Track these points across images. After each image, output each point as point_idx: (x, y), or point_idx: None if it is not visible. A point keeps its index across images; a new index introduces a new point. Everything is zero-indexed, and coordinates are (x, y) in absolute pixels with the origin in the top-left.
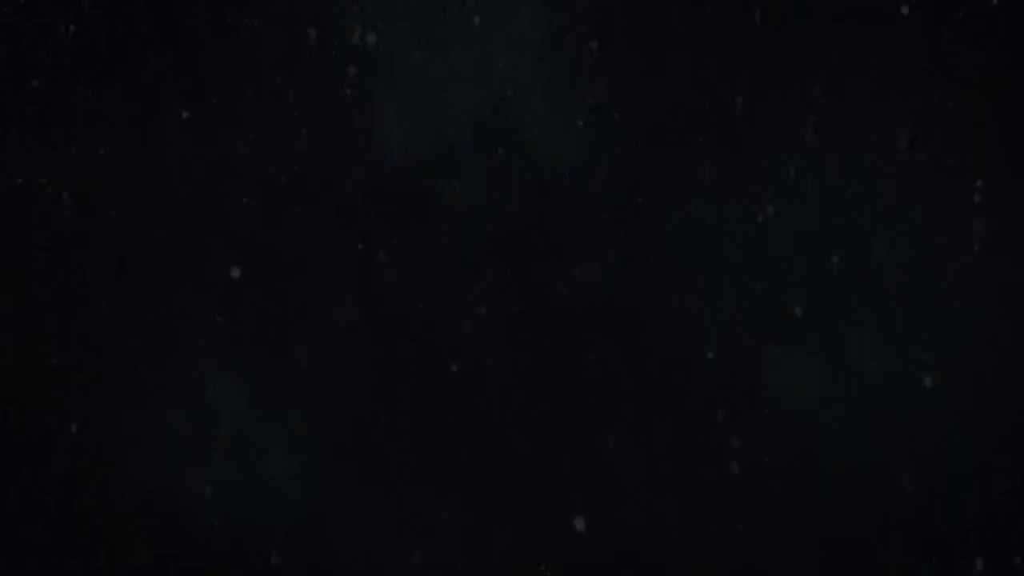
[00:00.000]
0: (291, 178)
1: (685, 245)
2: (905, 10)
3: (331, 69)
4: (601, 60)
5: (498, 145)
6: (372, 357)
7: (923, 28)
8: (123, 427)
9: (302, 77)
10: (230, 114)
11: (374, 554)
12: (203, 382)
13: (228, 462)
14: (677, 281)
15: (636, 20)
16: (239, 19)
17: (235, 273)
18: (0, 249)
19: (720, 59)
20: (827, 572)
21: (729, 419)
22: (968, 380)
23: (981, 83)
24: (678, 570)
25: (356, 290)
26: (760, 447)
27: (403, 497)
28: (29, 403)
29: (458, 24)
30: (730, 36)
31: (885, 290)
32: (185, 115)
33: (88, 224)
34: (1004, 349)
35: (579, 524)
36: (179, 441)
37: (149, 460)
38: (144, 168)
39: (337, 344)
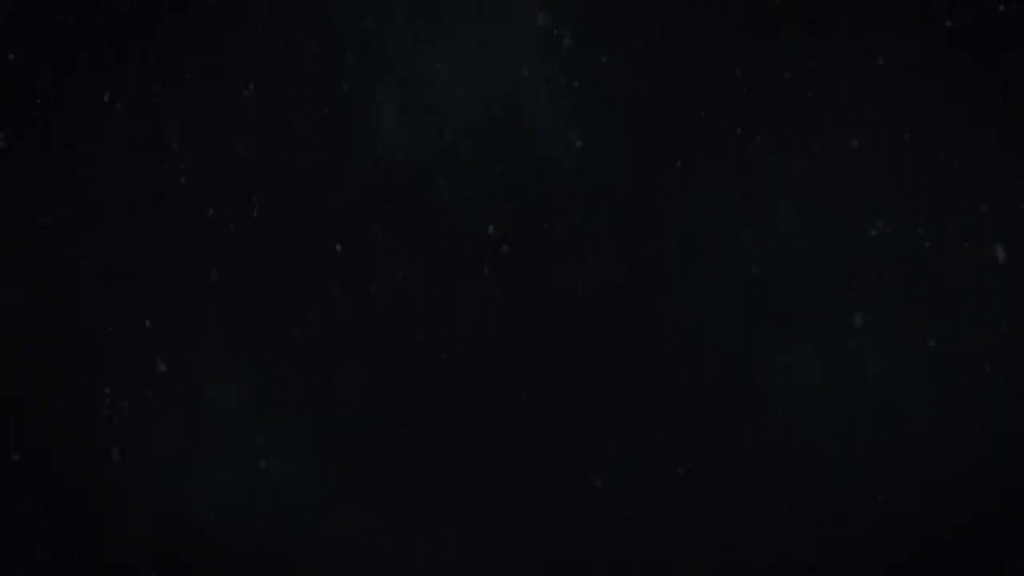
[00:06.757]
0: (290, 177)
1: (685, 244)
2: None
3: (331, 68)
4: (601, 60)
5: (498, 145)
6: (371, 357)
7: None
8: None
9: (301, 76)
10: (228, 113)
11: (373, 554)
12: (202, 382)
13: (228, 463)
14: (677, 281)
15: (635, 19)
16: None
17: (235, 273)
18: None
19: (720, 58)
20: (827, 572)
21: (729, 419)
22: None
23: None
24: (678, 569)
25: (356, 290)
26: (760, 447)
27: (403, 498)
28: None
29: (458, 23)
30: (730, 34)
31: (886, 290)
32: (183, 115)
33: (87, 224)
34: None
35: (579, 522)
36: (178, 441)
37: (148, 461)
38: (143, 167)
39: (336, 344)
